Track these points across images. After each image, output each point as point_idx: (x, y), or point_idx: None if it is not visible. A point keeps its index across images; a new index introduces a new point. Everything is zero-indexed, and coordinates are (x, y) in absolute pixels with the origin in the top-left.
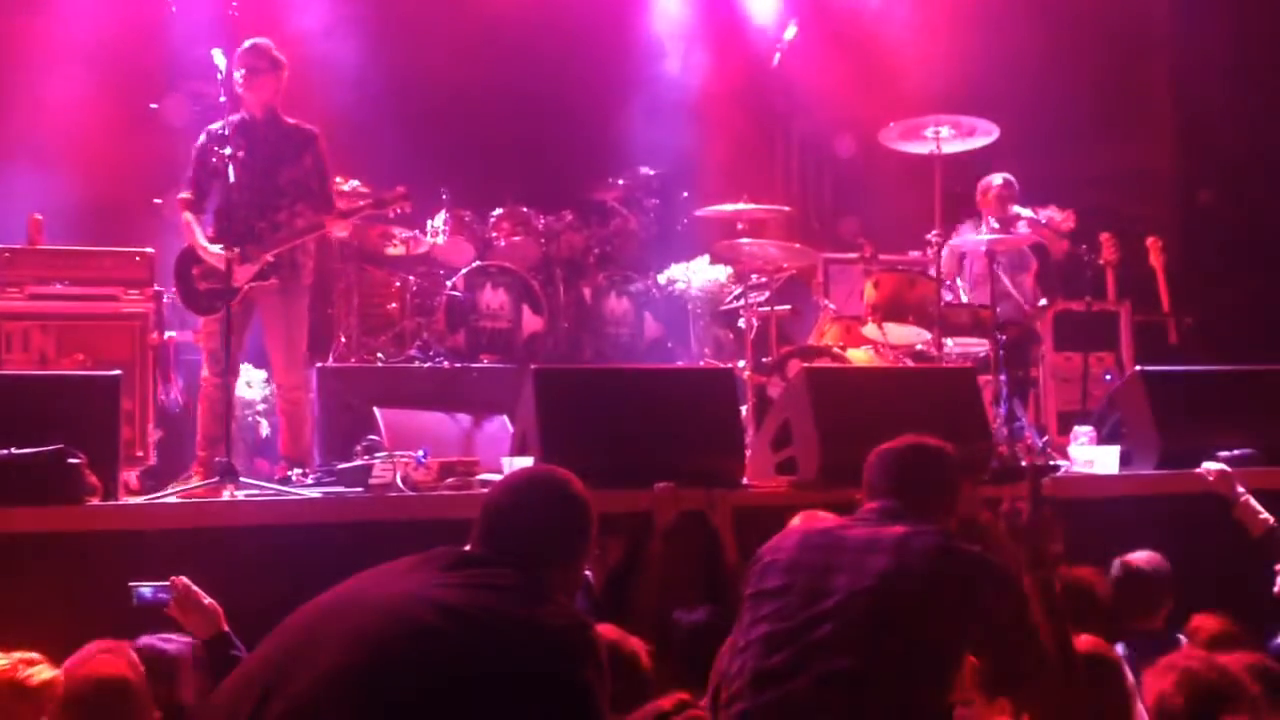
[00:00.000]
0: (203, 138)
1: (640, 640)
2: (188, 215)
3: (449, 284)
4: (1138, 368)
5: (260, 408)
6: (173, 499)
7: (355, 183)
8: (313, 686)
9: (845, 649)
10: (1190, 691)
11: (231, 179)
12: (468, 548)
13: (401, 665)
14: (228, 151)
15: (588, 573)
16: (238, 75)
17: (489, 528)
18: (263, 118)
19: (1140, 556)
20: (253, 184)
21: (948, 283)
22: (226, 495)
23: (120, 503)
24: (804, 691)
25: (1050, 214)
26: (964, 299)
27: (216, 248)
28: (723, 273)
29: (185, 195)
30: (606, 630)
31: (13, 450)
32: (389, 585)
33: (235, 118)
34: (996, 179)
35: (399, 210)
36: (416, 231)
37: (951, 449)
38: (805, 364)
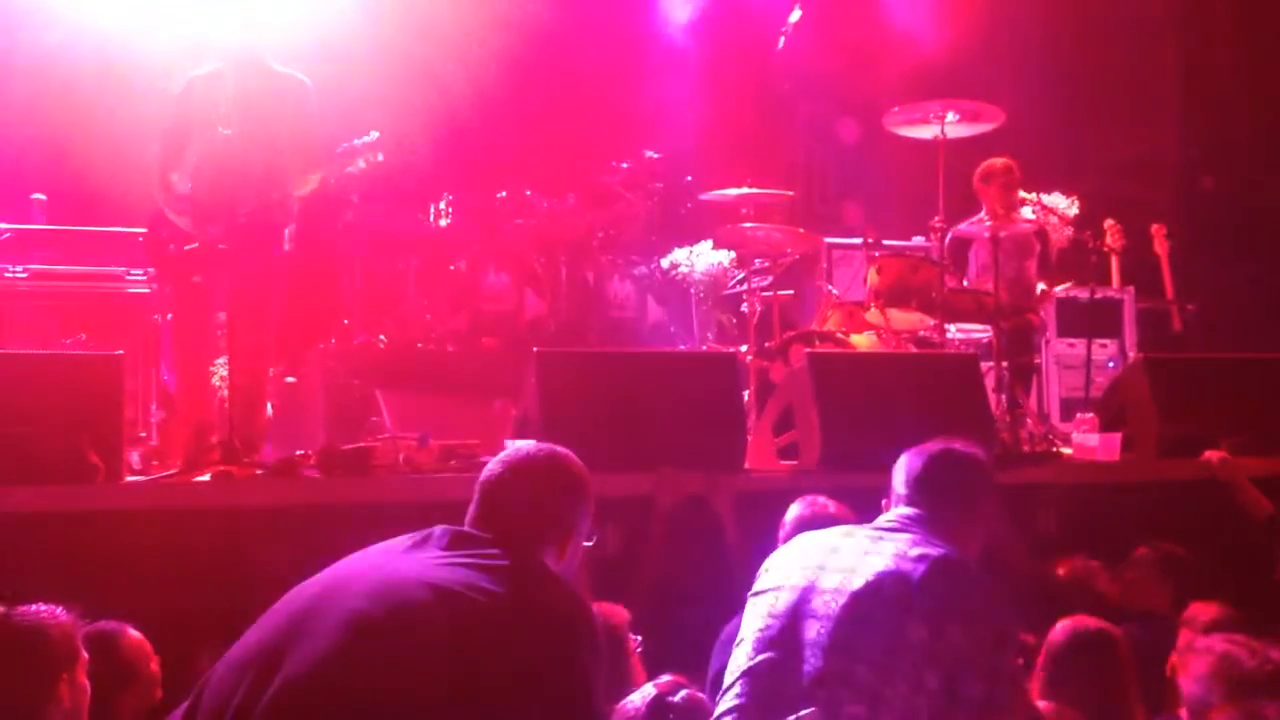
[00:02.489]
0: (180, 88)
1: (625, 617)
2: (160, 173)
3: (452, 267)
4: (1141, 354)
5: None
6: (175, 479)
7: (361, 163)
8: (309, 667)
9: (829, 648)
10: (1227, 674)
11: (208, 135)
12: (466, 526)
13: (396, 647)
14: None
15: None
16: (228, 24)
17: (486, 505)
18: (244, 67)
19: (1152, 545)
20: (232, 138)
21: (950, 268)
22: (228, 475)
23: (123, 482)
24: (789, 691)
25: (1055, 200)
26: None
27: (185, 209)
28: (726, 257)
29: (159, 151)
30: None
31: (16, 430)
32: (385, 565)
33: (215, 67)
34: (997, 164)
35: (372, 158)
36: (420, 214)
37: (984, 454)
38: (808, 349)
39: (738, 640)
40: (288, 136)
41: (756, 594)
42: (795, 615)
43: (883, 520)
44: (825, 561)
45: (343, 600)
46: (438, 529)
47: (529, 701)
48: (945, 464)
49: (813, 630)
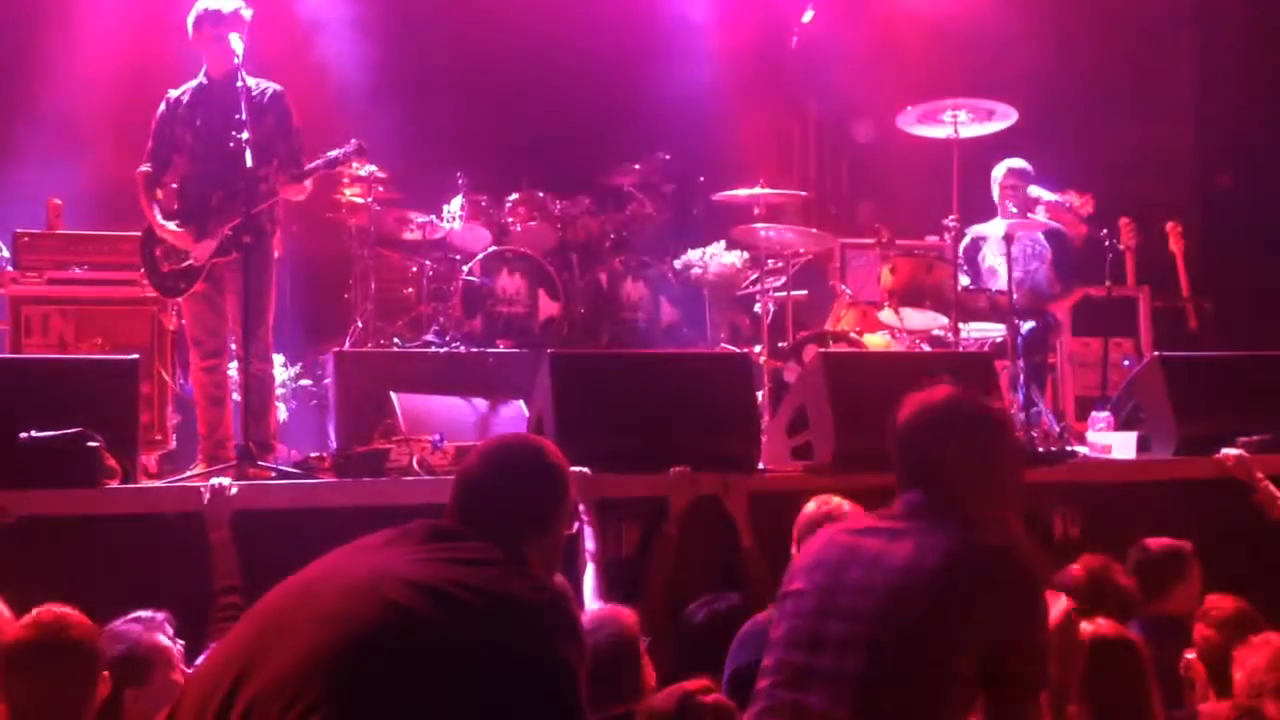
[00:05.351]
0: (162, 107)
1: (634, 619)
2: (146, 191)
3: (465, 269)
4: (1156, 353)
5: (279, 391)
6: (192, 482)
7: (372, 167)
8: (286, 669)
9: (853, 646)
10: None
11: (190, 149)
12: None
13: (374, 645)
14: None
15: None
16: (203, 37)
17: (464, 499)
18: (224, 80)
19: (1158, 541)
20: (212, 153)
21: (964, 267)
22: (237, 479)
23: (139, 486)
24: (816, 690)
25: (1069, 198)
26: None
27: (173, 224)
28: (739, 258)
29: (144, 169)
30: (609, 611)
31: (33, 433)
32: (362, 562)
33: (195, 83)
34: (1014, 164)
35: (356, 163)
36: (433, 216)
37: (985, 409)
38: (821, 349)
39: (767, 644)
40: (271, 145)
41: (783, 596)
42: (821, 614)
43: (896, 509)
44: (847, 559)
45: (321, 598)
46: (415, 523)
47: (511, 696)
48: (938, 433)
49: (840, 628)
